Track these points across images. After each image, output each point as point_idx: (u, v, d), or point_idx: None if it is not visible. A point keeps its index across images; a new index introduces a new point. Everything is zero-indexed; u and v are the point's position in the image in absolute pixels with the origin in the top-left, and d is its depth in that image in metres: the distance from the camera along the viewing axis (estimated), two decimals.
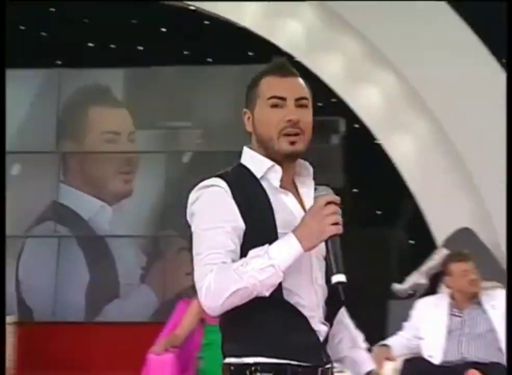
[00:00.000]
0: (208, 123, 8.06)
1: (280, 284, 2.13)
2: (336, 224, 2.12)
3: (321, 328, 2.23)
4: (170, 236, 7.70)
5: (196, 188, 2.22)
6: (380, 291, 6.94)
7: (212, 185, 2.19)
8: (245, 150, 2.29)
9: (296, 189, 2.28)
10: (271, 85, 2.26)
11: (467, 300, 5.09)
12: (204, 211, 2.18)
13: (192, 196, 2.21)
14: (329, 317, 2.27)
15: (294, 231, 2.12)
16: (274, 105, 2.24)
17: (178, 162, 8.05)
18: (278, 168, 2.23)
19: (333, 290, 2.25)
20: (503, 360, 4.99)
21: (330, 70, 7.61)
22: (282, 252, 2.09)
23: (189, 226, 2.21)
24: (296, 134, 2.24)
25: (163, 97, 7.99)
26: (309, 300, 2.21)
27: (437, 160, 7.13)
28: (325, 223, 2.10)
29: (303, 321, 2.19)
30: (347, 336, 2.41)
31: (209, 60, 8.22)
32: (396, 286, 7.04)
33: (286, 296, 2.17)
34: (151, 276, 7.64)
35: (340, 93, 7.55)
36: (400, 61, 7.18)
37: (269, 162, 2.23)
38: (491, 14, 6.79)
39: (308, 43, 7.66)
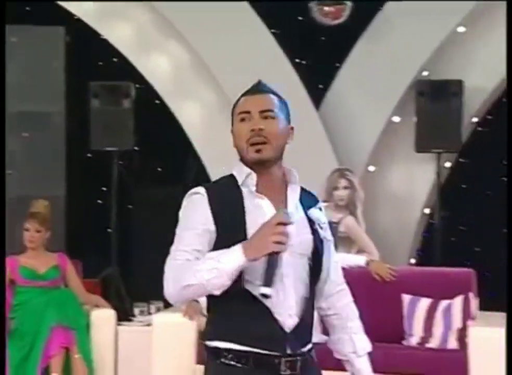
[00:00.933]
0: None
1: (241, 275, 2.36)
2: (280, 243, 2.30)
3: (286, 320, 2.42)
4: None
5: (186, 195, 2.54)
6: None
7: (194, 193, 2.51)
8: (236, 162, 2.57)
9: (286, 195, 2.52)
10: (242, 103, 2.54)
11: None
12: (184, 216, 2.49)
13: (182, 202, 2.53)
14: (301, 312, 2.47)
15: (243, 241, 2.35)
16: (242, 120, 2.51)
17: None
18: (253, 175, 2.49)
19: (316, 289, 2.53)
20: None
21: (119, 35, 7.89)
22: (228, 258, 2.32)
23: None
24: (262, 143, 2.47)
25: None
26: (275, 293, 2.37)
27: (220, 123, 7.64)
28: (270, 240, 2.30)
29: (265, 311, 2.39)
30: (348, 340, 2.64)
31: None
32: None
33: (248, 287, 2.39)
34: None
35: (131, 59, 7.87)
36: (191, 34, 7.64)
37: (247, 170, 2.50)
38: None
39: (98, 10, 7.89)
